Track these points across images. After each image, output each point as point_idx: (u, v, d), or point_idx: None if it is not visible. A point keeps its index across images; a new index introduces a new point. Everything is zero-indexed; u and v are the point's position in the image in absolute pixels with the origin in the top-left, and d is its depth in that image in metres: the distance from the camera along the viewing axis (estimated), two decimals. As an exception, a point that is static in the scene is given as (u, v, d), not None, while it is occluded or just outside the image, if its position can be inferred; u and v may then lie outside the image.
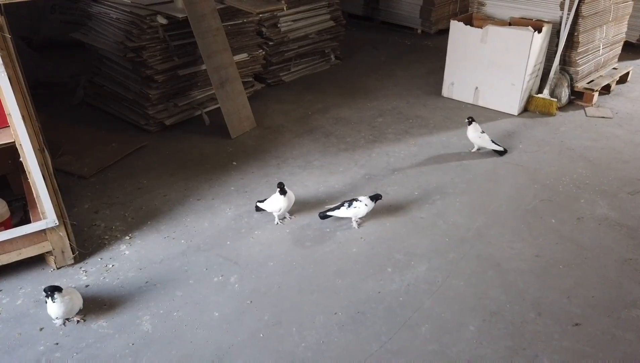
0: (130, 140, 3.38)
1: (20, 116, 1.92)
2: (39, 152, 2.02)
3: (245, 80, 3.78)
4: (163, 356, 1.87)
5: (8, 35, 1.81)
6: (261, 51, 3.91)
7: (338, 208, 2.52)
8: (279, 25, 4.03)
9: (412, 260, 2.34)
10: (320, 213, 2.57)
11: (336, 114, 3.75)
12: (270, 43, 4.01)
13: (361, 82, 4.33)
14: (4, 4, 1.82)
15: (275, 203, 2.51)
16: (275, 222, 2.58)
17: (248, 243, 2.46)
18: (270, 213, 2.60)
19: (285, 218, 2.62)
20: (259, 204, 2.62)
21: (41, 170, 2.04)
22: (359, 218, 2.54)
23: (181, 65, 3.43)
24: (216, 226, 2.58)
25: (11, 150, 2.36)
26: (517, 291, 2.15)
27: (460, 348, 1.89)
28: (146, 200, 2.79)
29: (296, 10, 4.08)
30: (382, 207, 2.67)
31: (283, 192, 2.48)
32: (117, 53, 3.41)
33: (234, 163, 3.14)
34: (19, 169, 2.45)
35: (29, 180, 2.06)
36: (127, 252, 2.40)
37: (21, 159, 2.02)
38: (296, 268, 2.30)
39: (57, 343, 1.92)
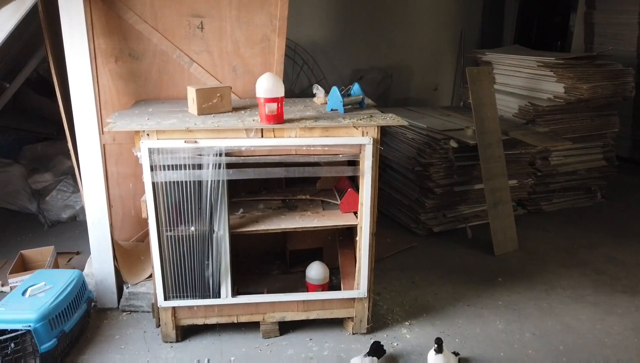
0: (401, 239, 3.87)
1: (369, 207, 2.49)
2: (372, 236, 2.55)
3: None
4: None
5: (380, 148, 2.45)
6: (530, 179, 4.14)
7: None
8: (550, 158, 4.22)
9: None
10: None
11: (607, 253, 3.64)
12: (539, 174, 4.21)
13: (634, 225, 4.13)
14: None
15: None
16: None
17: (523, 360, 2.53)
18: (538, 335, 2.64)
19: None
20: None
21: (369, 250, 2.56)
22: None
23: (458, 182, 3.88)
24: (488, 335, 2.73)
25: (331, 230, 3.01)
26: None
27: None
28: (419, 294, 3.13)
29: (570, 146, 4.23)
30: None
31: (439, 350, 2.33)
32: (405, 165, 4.06)
33: (500, 279, 3.30)
34: (335, 244, 3.08)
35: (357, 257, 2.59)
36: (407, 336, 2.72)
37: (357, 238, 2.58)
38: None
39: (358, 397, 2.27)
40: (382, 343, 2.50)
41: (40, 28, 3.01)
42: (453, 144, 3.73)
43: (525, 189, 4.17)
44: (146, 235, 3.10)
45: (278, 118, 2.35)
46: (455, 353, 2.52)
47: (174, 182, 2.35)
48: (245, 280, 2.91)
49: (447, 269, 3.44)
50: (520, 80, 4.46)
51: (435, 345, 2.34)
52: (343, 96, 2.63)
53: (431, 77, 6.43)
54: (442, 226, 3.94)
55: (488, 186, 3.65)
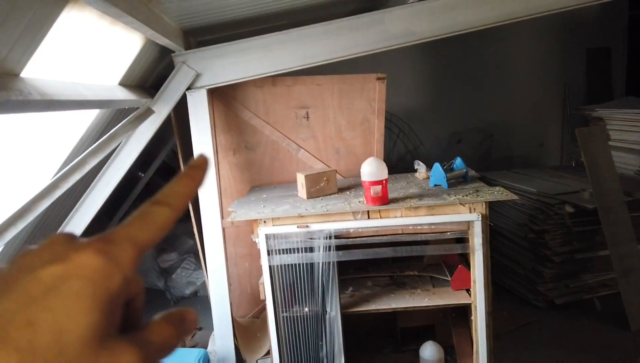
0: (519, 312, 3.62)
1: (483, 284, 2.41)
2: (489, 315, 2.45)
3: (644, 271, 3.60)
4: None
5: (490, 224, 2.40)
6: (665, 243, 3.72)
7: None
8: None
9: None
10: None
11: None
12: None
13: None
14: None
15: None
16: None
17: None
18: None
19: None
20: None
21: (487, 331, 2.45)
22: None
23: (578, 249, 3.60)
24: None
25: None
26: None
27: None
28: (546, 377, 2.87)
29: None
30: None
31: None
32: (516, 232, 3.88)
33: (641, 361, 2.93)
34: (447, 321, 2.98)
35: (474, 338, 2.48)
36: (537, 426, 2.49)
37: (472, 317, 2.48)
38: None
39: None
40: None
41: (168, 124, 3.47)
42: (569, 209, 3.51)
43: (660, 253, 3.73)
44: (261, 311, 3.27)
45: (383, 199, 2.42)
46: None
47: (288, 264, 2.49)
48: (357, 358, 2.91)
49: (576, 347, 3.13)
50: (638, 135, 4.14)
51: None
52: (446, 170, 2.65)
53: (535, 133, 6.17)
54: (565, 297, 3.63)
55: (615, 252, 3.34)
